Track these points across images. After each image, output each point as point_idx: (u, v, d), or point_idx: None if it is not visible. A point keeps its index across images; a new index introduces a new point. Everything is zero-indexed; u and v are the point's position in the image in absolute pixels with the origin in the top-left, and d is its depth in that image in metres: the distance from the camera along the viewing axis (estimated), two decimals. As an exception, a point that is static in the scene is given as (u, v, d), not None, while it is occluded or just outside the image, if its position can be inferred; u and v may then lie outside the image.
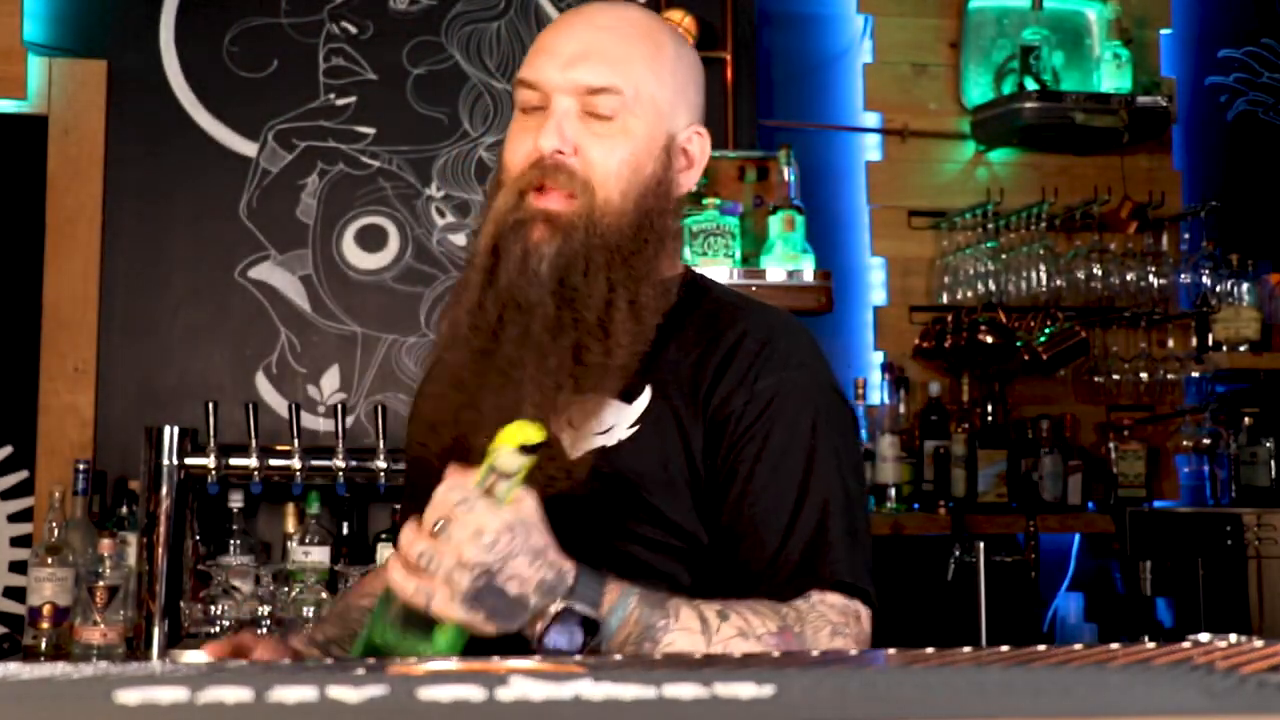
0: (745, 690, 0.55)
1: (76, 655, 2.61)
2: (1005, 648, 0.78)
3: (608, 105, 1.41)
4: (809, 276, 3.05)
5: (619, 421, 1.39)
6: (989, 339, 3.33)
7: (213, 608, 2.78)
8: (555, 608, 1.20)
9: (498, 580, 1.17)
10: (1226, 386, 3.58)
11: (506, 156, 1.46)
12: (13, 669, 0.65)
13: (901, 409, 3.39)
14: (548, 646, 1.20)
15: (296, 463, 2.75)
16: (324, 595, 2.82)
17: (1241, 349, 3.41)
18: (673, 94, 1.46)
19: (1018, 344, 3.33)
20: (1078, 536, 3.45)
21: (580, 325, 1.38)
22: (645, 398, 1.39)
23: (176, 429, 2.71)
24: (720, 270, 2.98)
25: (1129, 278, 3.51)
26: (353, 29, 3.21)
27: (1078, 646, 0.78)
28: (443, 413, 1.45)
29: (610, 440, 1.38)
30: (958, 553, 3.09)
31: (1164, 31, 3.71)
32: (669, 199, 1.45)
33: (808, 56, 3.54)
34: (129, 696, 0.52)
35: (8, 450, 3.03)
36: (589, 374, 1.37)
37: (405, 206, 3.19)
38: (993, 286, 3.45)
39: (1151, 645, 0.79)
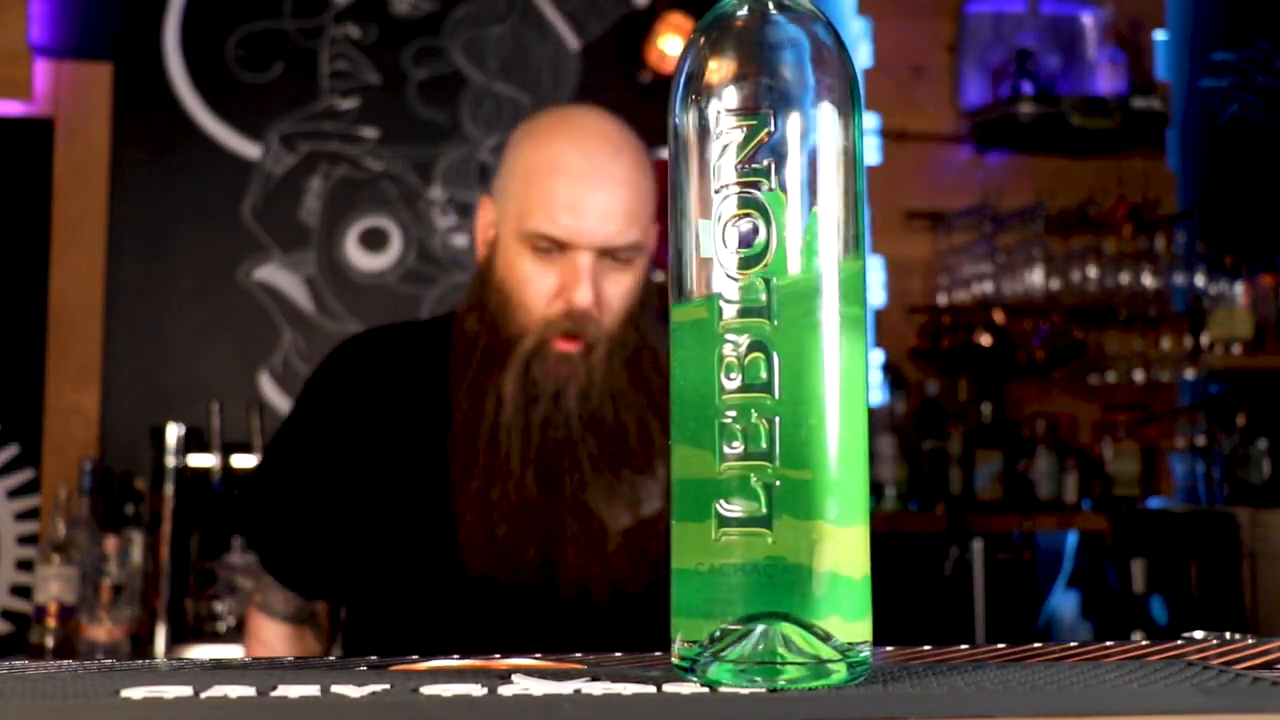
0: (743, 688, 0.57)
1: (82, 652, 2.63)
2: (1001, 645, 0.78)
3: (628, 255, 1.48)
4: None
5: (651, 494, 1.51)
6: (986, 339, 3.35)
7: (216, 605, 2.80)
8: None
9: None
10: (1220, 386, 3.60)
11: (526, 295, 1.48)
12: (19, 666, 0.66)
13: (899, 408, 3.41)
14: None
15: (300, 462, 2.76)
16: (327, 593, 2.84)
17: (1235, 349, 3.43)
18: (653, 204, 1.51)
19: (1014, 344, 3.35)
20: (1073, 535, 3.47)
21: (626, 455, 1.48)
22: None
23: (181, 428, 2.73)
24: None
25: (1124, 279, 3.52)
26: (355, 33, 3.23)
27: (1072, 644, 0.79)
28: (512, 543, 1.48)
29: (647, 510, 1.50)
30: (955, 551, 3.11)
31: (1159, 35, 3.72)
32: (650, 295, 1.52)
33: (806, 59, 3.54)
34: (134, 692, 0.54)
35: (14, 449, 3.05)
36: (648, 482, 1.49)
37: (408, 208, 3.21)
38: (989, 287, 3.46)
39: (1145, 643, 0.80)
